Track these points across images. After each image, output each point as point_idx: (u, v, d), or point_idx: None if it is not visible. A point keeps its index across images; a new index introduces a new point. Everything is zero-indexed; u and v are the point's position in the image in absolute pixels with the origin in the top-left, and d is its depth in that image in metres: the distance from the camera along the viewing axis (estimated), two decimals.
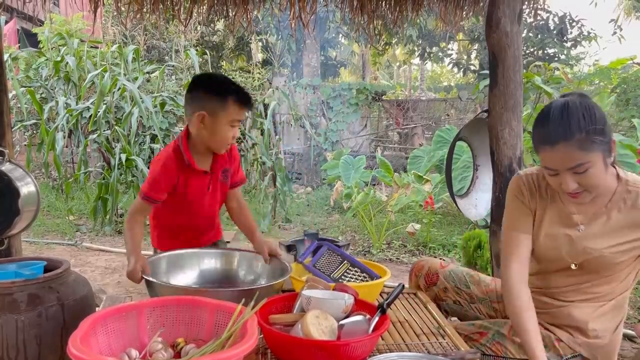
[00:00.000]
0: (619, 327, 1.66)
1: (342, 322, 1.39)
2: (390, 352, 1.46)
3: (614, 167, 1.56)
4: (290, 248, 3.57)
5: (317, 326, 1.32)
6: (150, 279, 1.68)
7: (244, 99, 1.98)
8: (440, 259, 2.24)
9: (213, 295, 1.46)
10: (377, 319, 1.42)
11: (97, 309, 1.75)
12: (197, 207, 2.14)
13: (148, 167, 6.55)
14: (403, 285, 1.61)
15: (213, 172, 2.11)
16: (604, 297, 1.62)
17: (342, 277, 1.97)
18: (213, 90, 1.96)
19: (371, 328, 1.38)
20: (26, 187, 2.37)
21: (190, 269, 2.02)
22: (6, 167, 2.39)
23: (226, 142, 2.01)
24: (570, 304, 1.64)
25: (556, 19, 11.53)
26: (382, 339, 1.57)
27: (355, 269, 2.01)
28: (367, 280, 1.92)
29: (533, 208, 1.67)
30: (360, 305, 1.53)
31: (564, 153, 1.42)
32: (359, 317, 1.42)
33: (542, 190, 1.66)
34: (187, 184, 2.05)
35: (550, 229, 1.63)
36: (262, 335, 1.42)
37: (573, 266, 1.61)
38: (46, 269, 1.76)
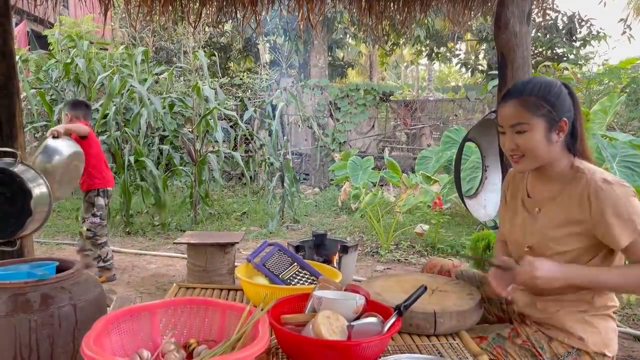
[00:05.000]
0: (595, 319, 1.60)
1: (353, 322, 1.39)
2: (401, 353, 1.46)
3: (575, 156, 1.60)
4: (298, 248, 3.59)
5: (328, 326, 1.32)
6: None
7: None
8: (450, 259, 2.26)
9: None
10: (393, 320, 1.40)
11: (107, 309, 1.76)
12: None
13: (157, 169, 6.59)
14: (425, 288, 1.59)
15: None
16: (567, 294, 1.61)
17: (291, 278, 1.98)
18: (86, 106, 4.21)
19: (386, 329, 1.37)
20: (38, 189, 2.39)
21: None
22: (18, 169, 2.41)
23: None
24: (540, 298, 1.67)
25: (565, 19, 11.46)
26: (393, 340, 1.57)
27: (305, 271, 2.03)
28: (316, 283, 1.92)
29: (508, 198, 1.82)
30: (371, 306, 1.53)
31: (511, 108, 1.57)
32: (371, 319, 1.41)
33: (516, 178, 1.80)
34: None
35: (513, 214, 1.76)
36: (273, 335, 1.43)
37: (526, 248, 1.67)
38: (58, 270, 1.77)
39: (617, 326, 3.31)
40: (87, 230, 4.03)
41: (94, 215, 4.05)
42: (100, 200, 4.07)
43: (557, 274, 1.49)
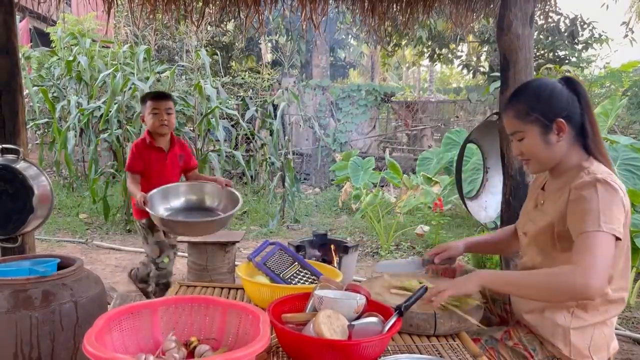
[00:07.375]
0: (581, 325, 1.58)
1: (353, 322, 1.39)
2: (401, 353, 1.46)
3: (589, 154, 1.60)
4: (299, 248, 3.59)
5: (329, 326, 1.33)
6: (149, 210, 2.60)
7: (154, 96, 3.07)
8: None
9: (191, 225, 2.68)
10: (393, 320, 1.41)
11: (108, 306, 1.76)
12: (160, 174, 3.03)
13: None
14: (426, 288, 1.59)
15: (169, 152, 3.11)
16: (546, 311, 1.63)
17: (292, 277, 1.98)
18: (141, 100, 3.13)
19: (386, 329, 1.38)
20: (40, 186, 2.40)
21: (175, 198, 2.91)
22: (21, 166, 2.42)
23: (154, 125, 2.99)
24: (524, 312, 1.71)
25: (567, 21, 11.45)
26: (393, 340, 1.57)
27: (306, 271, 2.03)
28: (316, 283, 1.92)
29: (531, 189, 1.89)
30: (372, 306, 1.53)
31: (507, 120, 1.67)
32: (372, 319, 1.42)
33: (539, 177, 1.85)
34: (150, 158, 3.03)
35: (528, 203, 1.83)
36: (274, 334, 1.43)
37: (522, 234, 1.77)
38: (59, 267, 1.78)
39: (616, 329, 3.31)
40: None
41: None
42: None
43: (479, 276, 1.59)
